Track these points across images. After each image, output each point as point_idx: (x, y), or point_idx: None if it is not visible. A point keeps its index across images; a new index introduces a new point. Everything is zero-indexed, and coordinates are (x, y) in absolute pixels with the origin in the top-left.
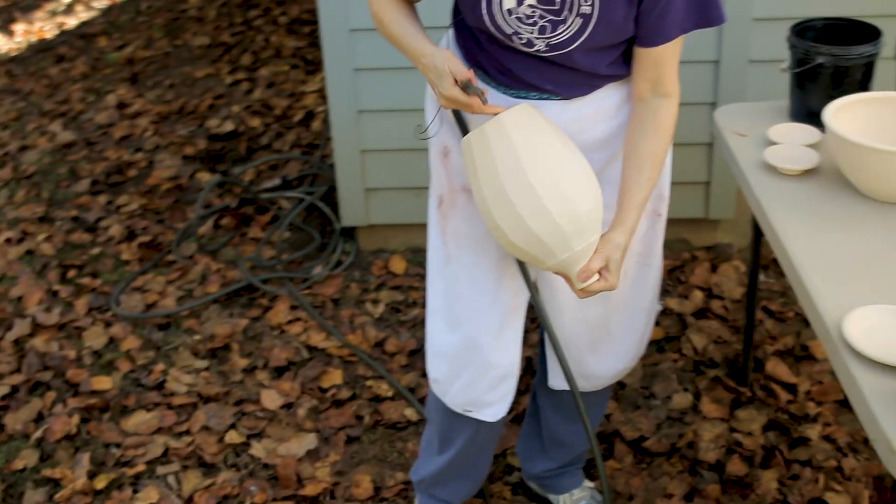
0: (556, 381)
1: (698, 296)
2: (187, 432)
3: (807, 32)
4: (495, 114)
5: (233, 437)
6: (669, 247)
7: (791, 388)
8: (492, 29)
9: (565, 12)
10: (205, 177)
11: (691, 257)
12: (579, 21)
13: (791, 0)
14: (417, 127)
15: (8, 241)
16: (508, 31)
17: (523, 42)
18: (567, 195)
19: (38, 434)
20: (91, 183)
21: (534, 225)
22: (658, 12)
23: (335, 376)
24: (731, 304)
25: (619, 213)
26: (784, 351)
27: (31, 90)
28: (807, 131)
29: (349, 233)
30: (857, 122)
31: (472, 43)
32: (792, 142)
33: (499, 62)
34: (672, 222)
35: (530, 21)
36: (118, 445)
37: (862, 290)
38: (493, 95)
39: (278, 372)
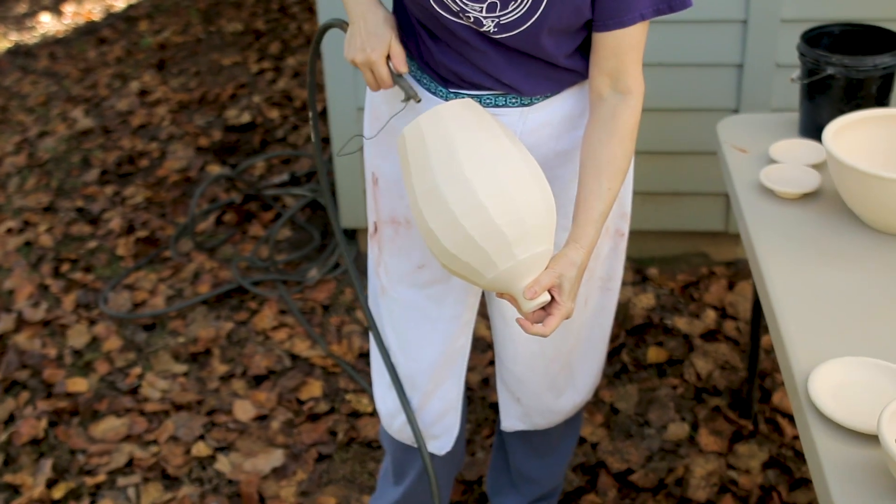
0: (509, 422)
1: (710, 316)
2: (154, 442)
3: (822, 39)
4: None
5: (200, 449)
6: (686, 260)
7: None
8: (437, 7)
9: None
10: (214, 169)
11: (709, 273)
12: (530, 0)
13: (825, 1)
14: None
15: (9, 231)
16: (455, 8)
17: (471, 21)
18: (508, 193)
19: (3, 437)
20: (101, 173)
21: (468, 224)
22: None
23: (314, 388)
24: (745, 325)
25: (575, 228)
26: None
27: (67, 74)
28: (812, 149)
29: (350, 235)
30: (864, 143)
31: (418, 41)
32: (794, 161)
33: (449, 58)
34: (690, 235)
35: None
36: (83, 452)
37: (843, 339)
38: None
39: (257, 381)
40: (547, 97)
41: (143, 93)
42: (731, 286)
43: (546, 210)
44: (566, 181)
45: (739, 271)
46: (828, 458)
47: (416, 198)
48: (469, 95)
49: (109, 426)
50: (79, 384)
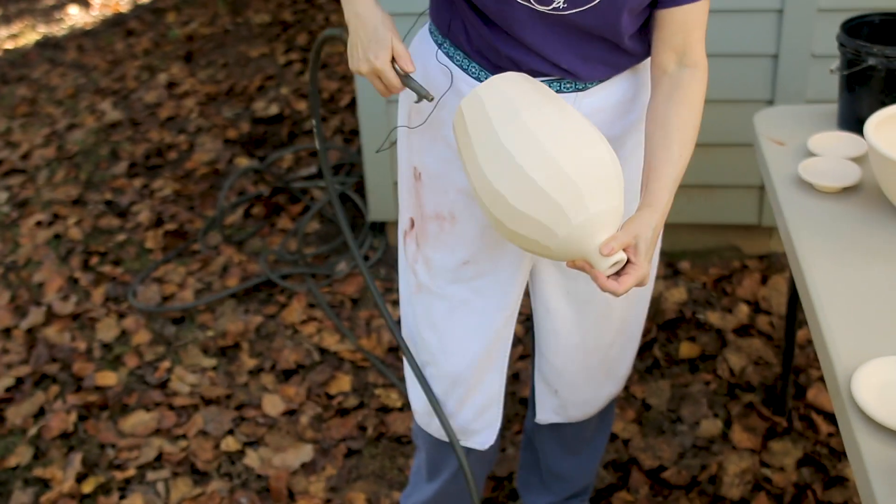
0: (544, 414)
1: (743, 310)
2: (184, 436)
3: (862, 29)
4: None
5: (229, 443)
6: (719, 254)
7: (834, 420)
8: None
9: None
10: (243, 162)
11: (741, 266)
12: None
13: None
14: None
15: (38, 223)
16: None
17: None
18: (576, 147)
19: (33, 431)
20: (129, 165)
21: (539, 177)
22: None
23: (343, 382)
24: (779, 320)
25: (647, 194)
26: None
27: (96, 66)
28: (852, 142)
29: (380, 228)
30: None
31: (467, 27)
32: (834, 154)
33: (506, 44)
34: (723, 228)
35: None
36: (113, 446)
37: (887, 337)
38: None
39: (286, 375)
40: (601, 81)
41: (170, 85)
42: (764, 280)
43: (614, 165)
44: (623, 159)
45: (772, 265)
46: (872, 460)
47: (478, 165)
48: None
49: (139, 420)
50: (108, 378)
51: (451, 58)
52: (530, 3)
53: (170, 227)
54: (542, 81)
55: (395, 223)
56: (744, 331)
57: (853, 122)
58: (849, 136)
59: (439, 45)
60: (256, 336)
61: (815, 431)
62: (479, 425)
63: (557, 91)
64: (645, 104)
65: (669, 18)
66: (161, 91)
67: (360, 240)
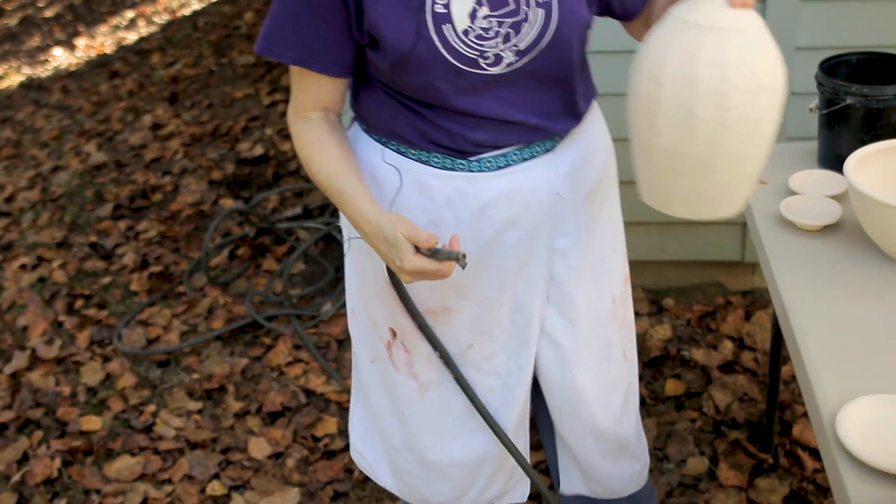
0: (568, 483)
1: (728, 346)
2: (169, 480)
3: (839, 68)
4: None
5: (215, 488)
6: (703, 290)
7: (819, 456)
8: (452, 60)
9: (523, 7)
10: (228, 203)
11: (725, 303)
12: (541, 12)
13: (840, 27)
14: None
15: (23, 266)
16: (472, 54)
17: (490, 62)
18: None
19: (17, 477)
20: (114, 207)
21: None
22: None
23: (330, 424)
24: (764, 356)
25: None
26: None
27: (80, 107)
28: (833, 180)
29: None
30: (886, 174)
31: (422, 123)
32: (814, 192)
33: (466, 126)
34: (706, 265)
35: (490, 34)
36: (98, 492)
37: (871, 375)
38: (472, 177)
39: (272, 418)
40: (568, 134)
41: (155, 126)
42: (748, 316)
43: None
44: (584, 227)
45: (756, 300)
46: (857, 499)
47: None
48: (492, 158)
49: (124, 465)
50: (93, 422)
51: (403, 154)
52: (483, 68)
53: (155, 269)
54: (511, 152)
55: None
56: (729, 367)
57: (833, 160)
58: (829, 175)
59: (384, 145)
60: (242, 378)
61: (801, 468)
62: (511, 484)
63: (530, 158)
64: (603, 161)
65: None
66: (146, 132)
67: None
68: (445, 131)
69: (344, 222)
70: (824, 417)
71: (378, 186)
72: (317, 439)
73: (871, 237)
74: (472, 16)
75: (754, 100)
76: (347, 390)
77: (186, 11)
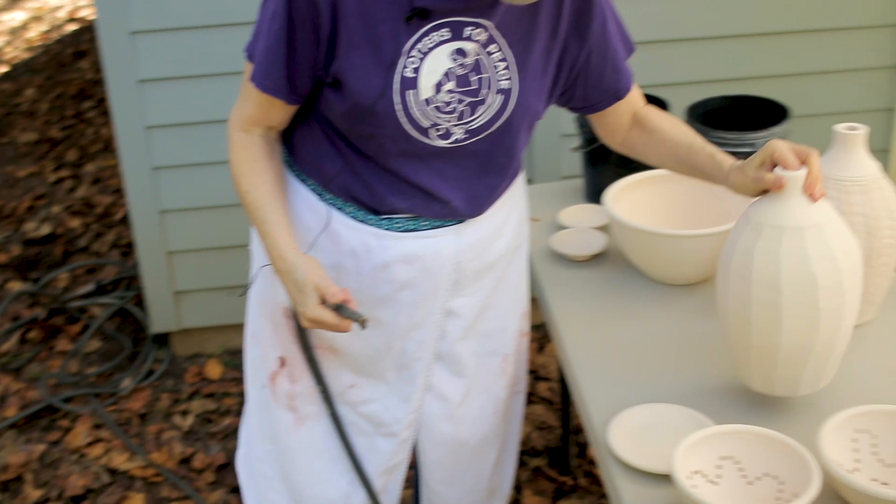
0: None
1: None
2: None
3: None
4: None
5: None
6: None
7: None
8: (405, 125)
9: (484, 90)
10: (15, 286)
11: None
12: (500, 98)
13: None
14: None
15: None
16: (426, 124)
17: (440, 134)
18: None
19: None
20: None
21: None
22: (609, 58)
23: (136, 501)
24: (557, 384)
25: (714, 154)
26: None
27: None
28: (597, 212)
29: (163, 339)
30: (645, 203)
31: (350, 172)
32: (582, 225)
33: (397, 186)
34: None
35: (448, 108)
36: None
37: (637, 388)
38: (380, 234)
39: (75, 502)
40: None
41: None
42: (541, 348)
43: None
44: (489, 290)
45: (548, 333)
46: (629, 502)
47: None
48: (402, 220)
49: None
50: None
51: (318, 195)
52: (431, 138)
53: None
54: (425, 218)
55: (179, 333)
56: (526, 399)
57: (596, 194)
58: (594, 208)
59: (319, 195)
60: (40, 465)
61: (599, 485)
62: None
63: (440, 226)
64: (513, 229)
65: (614, 111)
66: None
67: (144, 353)
68: (369, 189)
69: (256, 248)
70: (597, 429)
71: (301, 225)
72: None
73: (631, 262)
74: (438, 88)
75: (858, 277)
76: (152, 464)
77: None
